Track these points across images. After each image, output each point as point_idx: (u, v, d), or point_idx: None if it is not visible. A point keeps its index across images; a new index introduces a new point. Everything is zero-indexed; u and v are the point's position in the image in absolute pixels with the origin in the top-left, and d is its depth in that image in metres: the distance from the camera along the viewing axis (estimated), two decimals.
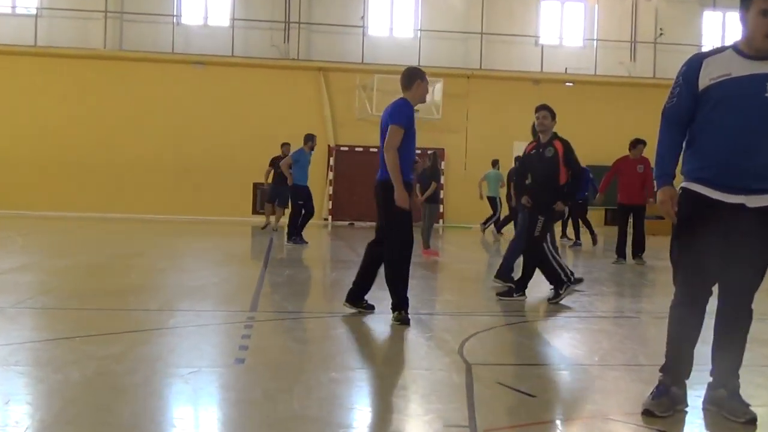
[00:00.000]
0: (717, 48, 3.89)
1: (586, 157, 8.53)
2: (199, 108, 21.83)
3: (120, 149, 21.58)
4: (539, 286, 9.24)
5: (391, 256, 6.39)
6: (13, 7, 22.46)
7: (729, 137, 3.70)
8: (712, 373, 3.95)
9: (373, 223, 7.11)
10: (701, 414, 3.92)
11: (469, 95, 22.84)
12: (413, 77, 6.51)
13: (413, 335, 5.94)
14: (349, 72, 22.17)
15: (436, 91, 22.02)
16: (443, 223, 22.49)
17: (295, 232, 13.84)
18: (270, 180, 16.63)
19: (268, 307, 7.26)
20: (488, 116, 22.77)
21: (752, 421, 3.71)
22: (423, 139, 23.26)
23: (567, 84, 23.18)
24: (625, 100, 22.91)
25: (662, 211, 3.90)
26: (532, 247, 7.74)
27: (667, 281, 4.26)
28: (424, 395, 4.27)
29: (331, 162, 22.31)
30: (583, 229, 16.10)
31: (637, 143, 12.39)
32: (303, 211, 14.08)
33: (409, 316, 6.30)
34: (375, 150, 7.19)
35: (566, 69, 23.53)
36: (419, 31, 23.29)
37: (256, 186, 21.74)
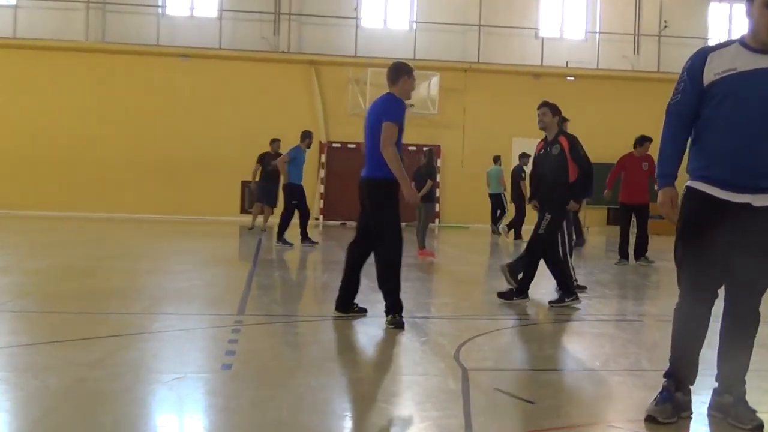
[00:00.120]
0: (723, 42, 3.90)
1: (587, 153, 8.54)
2: (185, 103, 21.79)
3: (102, 145, 21.52)
4: (540, 288, 9.24)
5: (385, 257, 6.40)
6: None
7: (734, 134, 3.71)
8: (717, 379, 3.96)
9: None
10: (706, 421, 3.92)
11: (467, 90, 22.86)
12: (400, 72, 6.52)
13: (407, 339, 5.94)
14: (342, 65, 22.15)
15: (432, 85, 22.05)
16: (439, 222, 22.50)
17: (283, 234, 13.83)
18: (257, 178, 16.55)
19: (256, 310, 7.25)
20: (486, 112, 22.79)
21: (759, 428, 3.72)
22: (418, 135, 23.47)
23: (568, 78, 23.21)
24: (628, 94, 22.96)
25: (662, 213, 3.91)
26: (535, 244, 7.75)
27: (672, 283, 4.27)
28: (419, 402, 4.27)
29: (323, 159, 22.30)
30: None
31: (644, 140, 12.35)
32: (298, 212, 14.06)
33: (404, 319, 6.29)
34: None
35: (567, 63, 23.57)
36: (415, 23, 23.30)
37: (244, 184, 21.71)
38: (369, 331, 6.27)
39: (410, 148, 21.48)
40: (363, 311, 6.70)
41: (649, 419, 3.83)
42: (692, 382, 3.95)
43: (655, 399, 3.93)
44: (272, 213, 16.50)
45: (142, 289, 8.52)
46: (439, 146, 21.91)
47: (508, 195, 18.48)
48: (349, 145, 21.83)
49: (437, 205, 20.06)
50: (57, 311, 6.86)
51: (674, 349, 3.96)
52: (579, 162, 7.70)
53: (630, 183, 12.25)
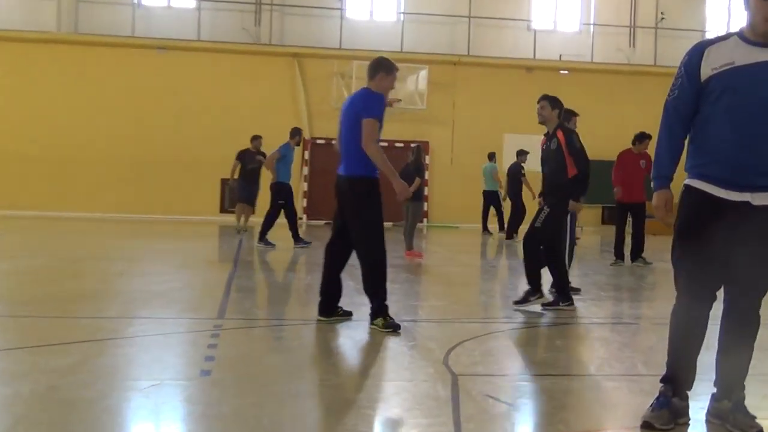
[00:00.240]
0: (721, 35, 3.92)
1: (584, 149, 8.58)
2: (162, 97, 21.70)
3: (74, 141, 21.39)
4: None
5: (369, 261, 6.41)
6: None
7: (733, 131, 3.72)
8: (716, 384, 3.98)
9: None
10: (704, 427, 3.94)
11: (456, 84, 22.88)
12: (377, 68, 6.54)
13: (395, 344, 5.94)
14: (326, 58, 22.12)
15: (420, 79, 22.08)
16: (427, 222, 22.53)
17: (266, 234, 13.80)
18: (236, 176, 16.45)
19: (236, 314, 7.23)
20: (477, 106, 22.82)
21: None
22: (406, 131, 23.46)
23: (562, 72, 23.27)
24: (623, 89, 23.06)
25: (656, 217, 3.93)
26: (530, 237, 7.76)
27: (669, 284, 4.29)
28: (407, 409, 4.27)
29: (306, 156, 22.27)
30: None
31: (643, 138, 12.36)
32: (284, 212, 14.05)
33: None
34: None
35: (561, 56, 23.64)
36: (402, 15, 23.30)
37: (223, 182, 21.65)
38: (354, 335, 6.26)
39: (397, 144, 21.54)
40: (348, 315, 6.70)
41: (646, 426, 3.84)
42: (690, 388, 3.97)
43: (651, 405, 3.94)
44: (253, 212, 16.44)
45: (118, 291, 8.48)
46: (427, 142, 21.93)
47: (503, 193, 18.46)
48: (334, 142, 21.79)
49: (425, 204, 20.05)
50: (28, 315, 6.82)
51: (671, 353, 3.98)
52: (575, 156, 7.72)
53: (627, 181, 12.28)
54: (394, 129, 21.49)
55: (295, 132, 14.46)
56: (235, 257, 12.29)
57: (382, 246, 6.43)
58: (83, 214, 20.77)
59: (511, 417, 4.17)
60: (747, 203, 3.72)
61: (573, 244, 8.62)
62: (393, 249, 12.75)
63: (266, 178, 16.04)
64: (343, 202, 6.51)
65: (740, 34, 3.81)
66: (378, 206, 6.41)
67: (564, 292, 7.68)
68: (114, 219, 20.56)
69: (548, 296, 7.81)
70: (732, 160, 3.73)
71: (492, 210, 18.91)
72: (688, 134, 3.94)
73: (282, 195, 13.96)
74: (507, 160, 20.13)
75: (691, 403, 3.98)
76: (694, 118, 3.88)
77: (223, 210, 21.86)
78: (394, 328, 6.28)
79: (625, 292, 9.90)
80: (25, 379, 4.48)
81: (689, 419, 3.96)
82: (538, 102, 7.89)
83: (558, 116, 7.86)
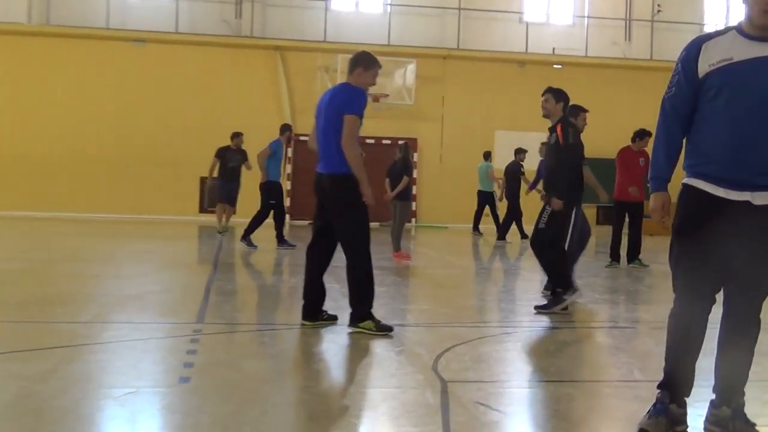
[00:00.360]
0: (719, 30, 3.92)
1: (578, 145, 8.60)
2: (139, 92, 21.63)
3: (47, 139, 21.30)
4: (526, 293, 9.30)
5: (357, 260, 6.41)
6: None
7: (732, 129, 3.73)
8: (714, 390, 3.99)
9: None
10: None
11: (446, 78, 22.92)
12: (355, 63, 6.55)
13: (382, 349, 5.94)
14: (310, 51, 22.12)
15: (408, 73, 22.10)
16: (416, 222, 22.55)
17: (250, 234, 13.78)
18: (215, 174, 16.34)
19: (216, 318, 7.21)
20: (467, 102, 22.88)
21: None
22: (393, 128, 23.44)
23: (555, 66, 23.34)
24: (619, 84, 23.17)
25: (654, 220, 3.94)
26: (537, 241, 7.77)
27: (666, 287, 4.30)
28: (394, 417, 4.27)
29: (289, 153, 22.23)
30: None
31: (643, 135, 12.37)
32: (273, 212, 14.05)
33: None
34: None
35: (554, 49, 23.71)
36: (389, 6, 23.31)
37: (202, 181, 21.58)
38: (339, 340, 6.26)
39: (384, 141, 21.58)
40: (333, 319, 6.70)
41: None
42: (688, 394, 3.98)
43: (648, 412, 3.95)
44: (234, 213, 16.39)
45: (92, 295, 8.44)
46: (415, 139, 21.96)
47: (500, 193, 18.40)
48: (307, 138, 21.75)
49: (413, 203, 20.06)
50: None
51: (669, 358, 3.99)
52: (567, 151, 7.73)
53: (625, 179, 12.30)
54: (380, 125, 21.55)
55: (285, 128, 14.45)
56: (215, 259, 12.25)
57: (367, 252, 6.45)
58: (56, 214, 20.67)
59: (502, 425, 4.17)
60: (747, 203, 3.73)
61: (584, 240, 8.68)
62: (380, 250, 12.82)
63: (246, 176, 16.01)
64: (327, 202, 6.50)
65: (738, 29, 3.82)
66: (364, 206, 6.41)
67: (559, 295, 7.69)
68: (89, 219, 20.47)
69: (572, 294, 7.75)
70: (731, 158, 3.74)
71: (486, 210, 18.89)
72: (686, 134, 3.94)
73: (273, 195, 13.93)
74: (499, 158, 20.15)
75: (689, 410, 3.99)
76: (692, 116, 3.90)
77: (203, 210, 21.81)
78: (386, 331, 6.29)
79: (621, 294, 9.93)
80: None
81: (687, 427, 3.96)
82: (543, 95, 7.91)
83: (563, 109, 7.87)
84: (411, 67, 21.98)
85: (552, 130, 7.86)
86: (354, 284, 6.43)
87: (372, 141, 21.44)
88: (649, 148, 11.75)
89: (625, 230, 12.52)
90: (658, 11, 24.13)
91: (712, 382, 4.00)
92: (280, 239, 13.91)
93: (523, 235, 16.84)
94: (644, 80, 22.48)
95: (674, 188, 3.84)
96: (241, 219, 16.21)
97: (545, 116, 7.93)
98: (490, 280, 11.71)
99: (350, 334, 6.34)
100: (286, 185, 22.13)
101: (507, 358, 6.02)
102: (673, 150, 3.96)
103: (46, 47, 21.47)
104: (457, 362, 5.56)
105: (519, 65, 23.28)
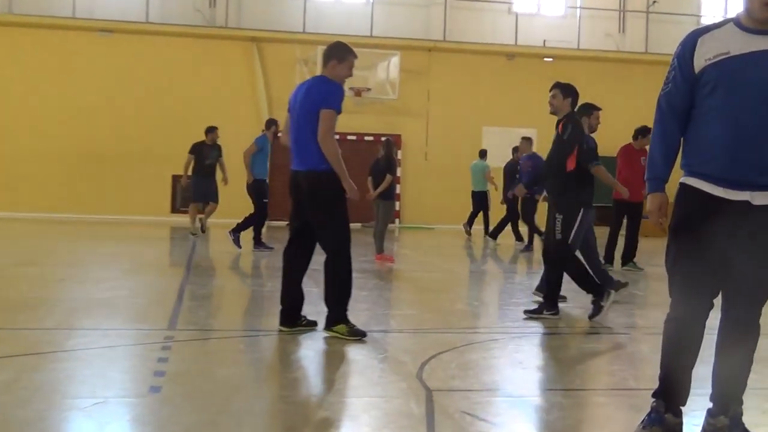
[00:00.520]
0: (716, 23, 3.94)
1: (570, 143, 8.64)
2: (106, 86, 21.53)
3: (8, 134, 21.16)
4: (513, 297, 9.32)
5: (338, 260, 6.43)
6: None
7: (729, 126, 3.75)
8: (712, 398, 4.01)
9: None
10: None
11: (431, 72, 22.95)
12: (328, 56, 6.56)
13: (364, 356, 5.94)
14: (288, 43, 22.09)
15: (391, 66, 22.10)
16: (400, 223, 22.56)
17: (258, 238, 13.80)
18: (190, 172, 16.30)
19: (189, 324, 7.20)
20: (453, 97, 22.91)
21: None
22: (376, 124, 23.40)
23: (546, 59, 23.43)
24: (612, 78, 23.26)
25: (651, 221, 3.96)
26: (552, 251, 7.79)
27: (662, 291, 4.32)
28: (377, 428, 4.27)
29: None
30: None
31: (646, 132, 12.38)
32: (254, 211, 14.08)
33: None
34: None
35: (545, 42, 23.79)
36: None
37: (175, 179, 21.51)
38: (319, 346, 6.26)
39: (367, 138, 21.60)
40: (312, 324, 6.69)
41: None
42: (684, 403, 4.00)
43: (642, 421, 3.97)
44: (215, 208, 16.30)
45: (57, 300, 8.40)
46: (399, 136, 21.97)
47: (499, 193, 18.38)
48: (280, 134, 21.72)
49: (397, 203, 20.09)
50: None
51: (664, 366, 4.01)
52: (558, 148, 7.77)
53: (626, 179, 12.30)
54: (363, 121, 21.56)
55: (271, 122, 14.42)
56: (188, 262, 12.22)
57: (348, 255, 6.47)
58: (17, 215, 20.51)
59: None
60: (746, 202, 3.75)
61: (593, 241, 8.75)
62: (362, 252, 12.82)
63: (232, 173, 15.94)
64: (304, 201, 6.49)
65: (736, 21, 3.83)
66: (344, 202, 6.42)
67: (552, 300, 7.72)
68: (53, 219, 20.35)
69: (609, 299, 7.76)
70: (729, 156, 3.75)
71: (472, 210, 18.92)
72: (684, 132, 3.96)
73: (264, 193, 13.89)
74: (494, 156, 20.09)
75: (686, 420, 4.01)
76: (689, 113, 3.91)
77: (175, 210, 21.73)
78: (359, 336, 6.32)
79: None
80: None
81: None
82: (550, 90, 7.93)
83: (571, 105, 7.88)
84: (395, 60, 21.98)
85: (556, 126, 7.89)
86: (333, 286, 6.44)
87: (354, 137, 21.46)
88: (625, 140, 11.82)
89: (621, 231, 12.57)
90: (654, 2, 24.26)
91: (709, 391, 4.02)
92: (257, 241, 13.89)
93: (518, 238, 16.88)
94: (639, 74, 22.59)
95: (671, 188, 3.86)
96: (226, 219, 16.15)
97: (552, 113, 7.94)
98: (478, 284, 11.74)
99: (328, 339, 6.34)
100: None
101: (495, 366, 6.03)
102: (670, 149, 3.97)
103: (8, 37, 21.33)
104: (443, 370, 5.56)
105: (508, 58, 23.34)
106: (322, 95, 6.38)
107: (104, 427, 4.10)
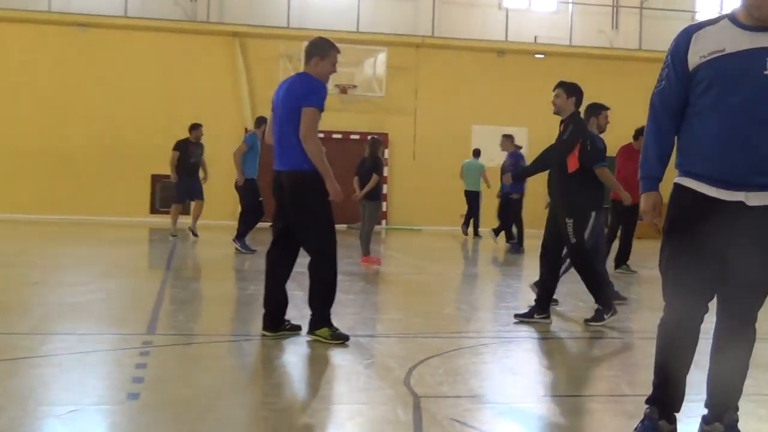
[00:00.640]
0: (711, 19, 3.95)
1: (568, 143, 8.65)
2: (83, 82, 21.46)
3: None
4: (503, 300, 9.33)
5: (323, 262, 6.44)
6: None
7: (724, 125, 3.76)
8: (707, 405, 4.03)
9: None
10: None
11: (419, 68, 22.96)
12: (311, 53, 6.57)
13: (350, 362, 5.94)
14: (272, 38, 22.07)
15: (378, 63, 22.10)
16: (386, 224, 22.56)
17: (243, 235, 13.81)
18: (176, 169, 16.16)
19: (169, 329, 7.18)
20: (442, 94, 22.93)
21: None
22: (362, 122, 23.41)
23: (537, 56, 23.48)
24: (605, 75, 23.26)
25: (645, 222, 3.97)
26: (575, 257, 7.80)
27: (656, 295, 4.34)
28: None
29: None
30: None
31: None
32: (240, 211, 14.04)
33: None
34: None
35: (536, 38, 23.84)
36: None
37: (154, 178, 21.46)
38: (303, 352, 6.25)
39: (353, 136, 21.61)
40: (296, 329, 6.69)
41: None
42: (678, 409, 4.02)
43: (635, 429, 3.99)
44: (202, 207, 16.24)
45: (31, 304, 8.36)
46: (386, 134, 21.97)
47: (492, 192, 18.39)
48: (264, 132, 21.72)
49: (384, 203, 20.09)
50: None
51: (658, 371, 4.02)
52: (553, 147, 7.79)
53: (625, 179, 12.32)
54: (348, 119, 21.57)
55: (261, 120, 14.40)
56: (167, 264, 12.18)
57: (334, 258, 6.48)
58: None
59: None
60: (740, 203, 3.77)
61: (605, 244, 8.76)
62: (347, 255, 12.81)
63: (220, 172, 15.90)
64: (287, 202, 6.48)
65: (732, 17, 3.84)
66: (328, 203, 6.43)
67: (544, 304, 7.74)
68: (27, 221, 20.26)
69: (612, 315, 7.79)
70: (724, 156, 3.77)
71: (464, 211, 18.93)
72: (678, 130, 3.97)
73: (257, 192, 13.87)
74: (487, 156, 20.11)
75: (680, 427, 4.02)
76: (683, 111, 3.93)
77: (154, 210, 21.67)
78: (342, 339, 6.34)
79: None
80: None
81: None
82: (554, 90, 7.95)
83: (575, 105, 7.89)
84: (381, 56, 21.97)
85: (560, 125, 7.91)
86: (318, 288, 6.45)
87: (339, 136, 21.46)
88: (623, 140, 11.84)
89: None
90: None
91: (704, 397, 4.03)
92: (239, 238, 13.87)
93: (509, 237, 16.90)
94: (632, 71, 22.65)
95: (666, 188, 3.87)
96: (208, 221, 16.13)
97: (556, 113, 7.95)
98: (467, 287, 11.75)
99: (313, 344, 6.34)
100: None
101: (485, 372, 6.04)
102: (663, 148, 3.99)
103: None
104: (431, 376, 5.56)
105: (498, 54, 23.37)
106: (303, 93, 6.38)
107: None
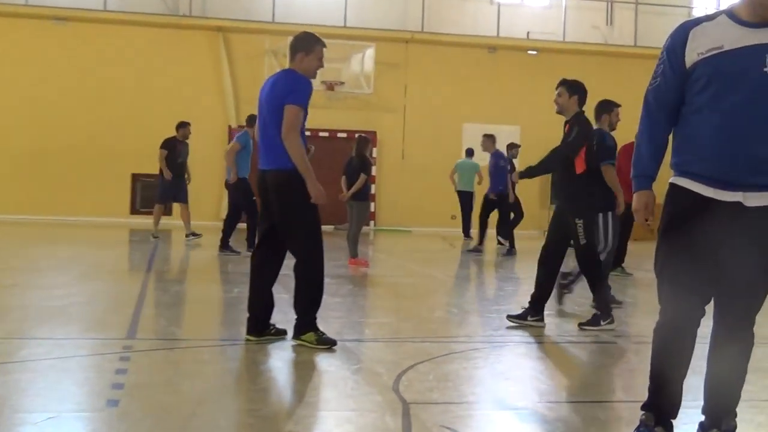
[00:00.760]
0: (708, 14, 3.96)
1: (551, 141, 8.65)
2: (60, 78, 21.39)
3: None
4: (495, 303, 9.35)
5: (310, 265, 6.44)
6: None
7: (722, 124, 3.77)
8: (704, 411, 4.04)
9: None
10: None
11: (408, 65, 22.97)
12: (295, 48, 6.57)
13: (337, 367, 5.93)
14: (256, 33, 22.04)
15: (366, 59, 22.10)
16: (374, 225, 22.56)
17: (225, 238, 13.79)
18: (164, 167, 16.05)
19: (150, 333, 7.17)
20: (432, 91, 22.95)
21: None
22: (350, 120, 23.44)
23: (529, 52, 23.53)
24: (600, 72, 23.24)
25: (637, 220, 3.99)
26: (585, 257, 7.80)
27: (651, 298, 4.35)
28: None
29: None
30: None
31: None
32: (228, 212, 14.03)
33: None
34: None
35: (528, 34, 23.88)
36: None
37: (135, 178, 21.41)
38: (288, 357, 6.25)
39: (340, 134, 21.60)
40: (282, 333, 6.69)
41: None
42: (675, 416, 4.03)
43: None
44: (188, 210, 16.19)
45: (8, 307, 8.33)
46: (374, 133, 21.96)
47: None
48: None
49: (372, 204, 20.10)
50: None
51: (654, 376, 4.03)
52: (559, 148, 7.82)
53: (626, 179, 12.35)
54: (336, 117, 21.56)
55: (253, 119, 14.35)
56: (148, 266, 12.15)
57: (320, 258, 6.48)
58: None
59: None
60: (738, 204, 3.78)
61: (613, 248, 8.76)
62: (334, 257, 12.81)
63: (211, 173, 15.85)
64: (272, 202, 6.48)
65: (729, 13, 3.85)
66: (314, 206, 6.42)
67: (539, 306, 7.75)
68: (3, 221, 20.18)
69: (610, 324, 7.79)
70: (721, 156, 3.77)
71: (462, 211, 18.94)
72: (672, 128, 3.99)
73: (250, 192, 13.84)
74: (481, 156, 20.08)
75: None
76: (679, 109, 3.94)
77: (135, 211, 21.61)
78: (329, 344, 6.34)
79: None
80: None
81: None
82: (556, 88, 7.95)
83: (578, 103, 7.89)
84: (370, 52, 21.98)
85: (565, 126, 7.91)
86: (304, 291, 6.45)
87: (326, 134, 21.45)
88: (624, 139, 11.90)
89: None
90: None
91: (701, 402, 4.05)
92: (225, 244, 13.85)
93: (505, 237, 16.94)
94: (627, 68, 22.71)
95: (661, 188, 3.88)
96: (193, 222, 16.08)
97: (559, 112, 7.95)
98: (458, 290, 11.76)
99: (298, 349, 6.34)
100: None
101: (476, 377, 6.04)
102: (657, 146, 4.00)
103: None
104: (421, 382, 5.57)
105: (490, 51, 23.40)
106: (287, 90, 6.38)
107: None
